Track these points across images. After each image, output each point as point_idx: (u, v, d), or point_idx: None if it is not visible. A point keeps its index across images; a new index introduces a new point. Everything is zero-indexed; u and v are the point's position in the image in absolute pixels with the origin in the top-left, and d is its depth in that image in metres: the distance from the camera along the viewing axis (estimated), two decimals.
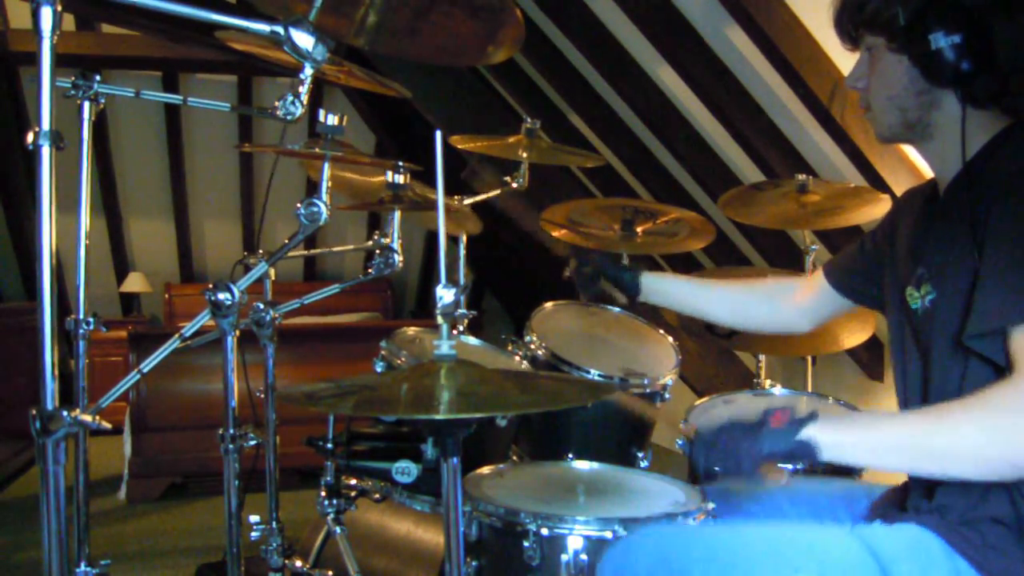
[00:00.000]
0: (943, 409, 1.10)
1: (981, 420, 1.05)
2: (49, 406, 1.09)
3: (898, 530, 1.20)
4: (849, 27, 1.29)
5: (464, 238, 2.36)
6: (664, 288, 1.75)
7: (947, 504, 1.19)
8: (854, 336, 2.40)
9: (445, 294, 1.04)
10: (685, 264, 4.35)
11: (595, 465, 1.72)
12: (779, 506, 1.46)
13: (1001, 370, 1.11)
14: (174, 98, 1.75)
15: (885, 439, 1.12)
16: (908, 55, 1.20)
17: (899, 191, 2.80)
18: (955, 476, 1.09)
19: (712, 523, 1.39)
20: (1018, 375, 1.05)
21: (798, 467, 1.85)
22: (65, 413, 1.09)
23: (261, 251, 1.73)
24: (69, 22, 5.27)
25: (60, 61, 1.08)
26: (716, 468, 1.17)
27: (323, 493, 1.87)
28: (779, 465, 1.16)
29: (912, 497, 1.28)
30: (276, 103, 1.27)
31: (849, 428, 1.13)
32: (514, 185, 2.36)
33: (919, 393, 1.27)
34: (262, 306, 1.74)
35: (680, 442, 2.04)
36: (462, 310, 1.98)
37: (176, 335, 1.39)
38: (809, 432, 1.11)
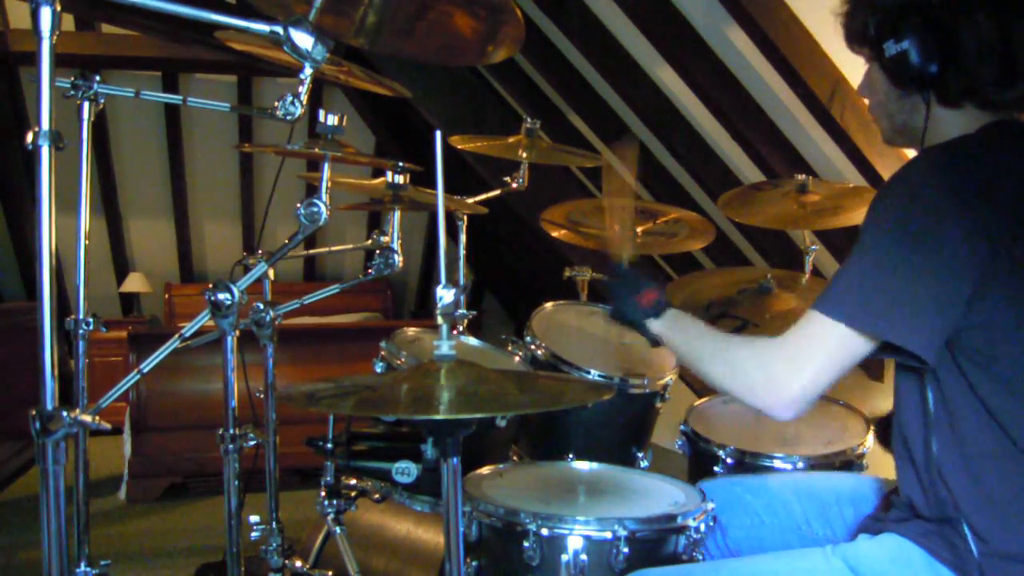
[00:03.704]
0: (732, 341, 1.31)
1: (739, 360, 1.25)
2: (49, 406, 1.09)
3: (880, 544, 1.21)
4: (851, 39, 1.33)
5: (464, 237, 2.35)
6: None
7: (912, 499, 1.21)
8: None
9: (445, 294, 1.04)
10: (685, 264, 4.35)
11: (595, 465, 1.72)
12: (784, 499, 1.47)
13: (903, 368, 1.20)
14: (174, 98, 1.75)
15: (690, 349, 1.36)
16: (879, 63, 1.26)
17: None
18: (720, 388, 1.30)
19: (698, 563, 1.40)
20: (790, 334, 1.19)
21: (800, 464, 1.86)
22: (65, 413, 1.09)
23: (261, 251, 1.73)
24: (69, 22, 5.27)
25: (60, 61, 1.08)
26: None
27: (323, 493, 1.86)
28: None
29: (893, 496, 1.29)
30: (276, 103, 1.27)
31: (676, 333, 1.40)
32: (514, 185, 2.36)
33: None
34: (262, 306, 1.74)
35: (679, 442, 2.05)
36: (462, 310, 1.98)
37: (176, 335, 1.39)
38: (654, 325, 1.42)
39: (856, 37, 1.29)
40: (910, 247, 1.09)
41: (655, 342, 1.46)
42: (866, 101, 1.36)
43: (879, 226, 1.14)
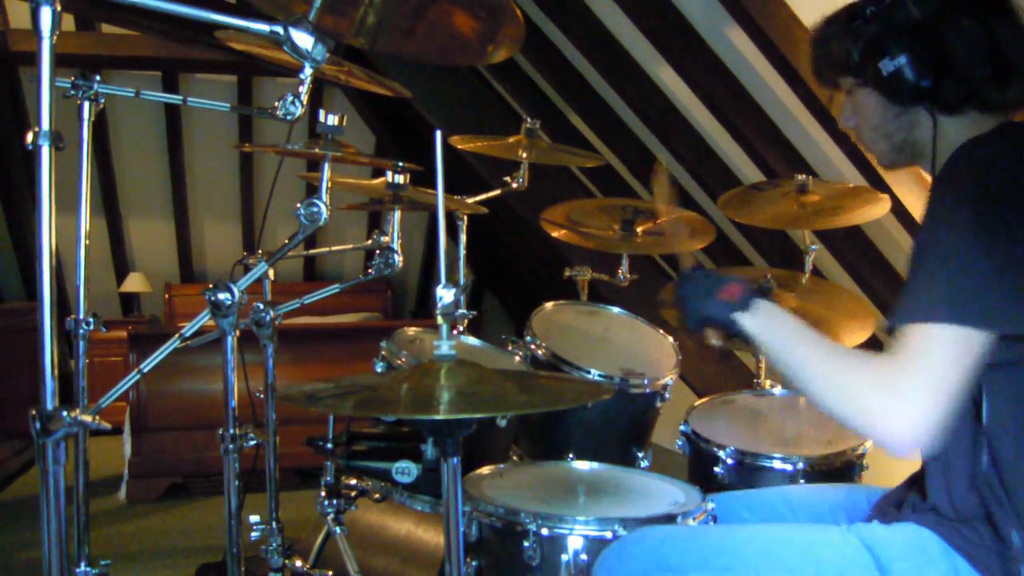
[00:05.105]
0: (843, 355, 1.16)
1: (853, 380, 1.12)
2: (49, 406, 1.09)
3: (896, 529, 1.21)
4: (826, 74, 1.34)
5: (464, 237, 2.35)
6: None
7: (937, 504, 1.20)
8: (854, 336, 2.40)
9: (445, 294, 1.04)
10: None
11: (595, 465, 1.72)
12: (777, 511, 1.46)
13: None
14: (174, 98, 1.75)
15: (792, 357, 1.20)
16: (872, 85, 1.26)
17: (899, 191, 2.81)
18: (821, 408, 1.17)
19: (708, 526, 1.40)
20: (895, 355, 1.08)
21: (800, 465, 1.86)
22: (65, 413, 1.09)
23: (261, 251, 1.73)
24: (69, 22, 5.26)
25: (60, 61, 1.08)
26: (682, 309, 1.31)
27: (323, 493, 1.87)
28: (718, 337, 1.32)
29: (910, 497, 1.28)
30: (276, 103, 1.27)
31: (774, 333, 1.23)
32: (514, 185, 2.36)
33: None
34: (262, 306, 1.74)
35: (679, 442, 2.05)
36: (462, 310, 1.98)
37: (176, 335, 1.39)
38: (745, 321, 1.23)
39: (837, 67, 1.30)
40: (990, 234, 1.06)
41: (744, 342, 1.27)
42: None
43: (952, 220, 1.09)
